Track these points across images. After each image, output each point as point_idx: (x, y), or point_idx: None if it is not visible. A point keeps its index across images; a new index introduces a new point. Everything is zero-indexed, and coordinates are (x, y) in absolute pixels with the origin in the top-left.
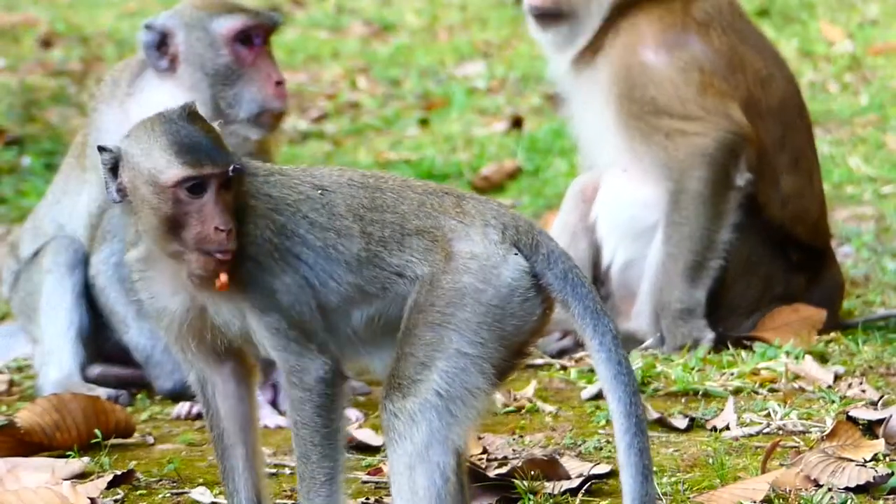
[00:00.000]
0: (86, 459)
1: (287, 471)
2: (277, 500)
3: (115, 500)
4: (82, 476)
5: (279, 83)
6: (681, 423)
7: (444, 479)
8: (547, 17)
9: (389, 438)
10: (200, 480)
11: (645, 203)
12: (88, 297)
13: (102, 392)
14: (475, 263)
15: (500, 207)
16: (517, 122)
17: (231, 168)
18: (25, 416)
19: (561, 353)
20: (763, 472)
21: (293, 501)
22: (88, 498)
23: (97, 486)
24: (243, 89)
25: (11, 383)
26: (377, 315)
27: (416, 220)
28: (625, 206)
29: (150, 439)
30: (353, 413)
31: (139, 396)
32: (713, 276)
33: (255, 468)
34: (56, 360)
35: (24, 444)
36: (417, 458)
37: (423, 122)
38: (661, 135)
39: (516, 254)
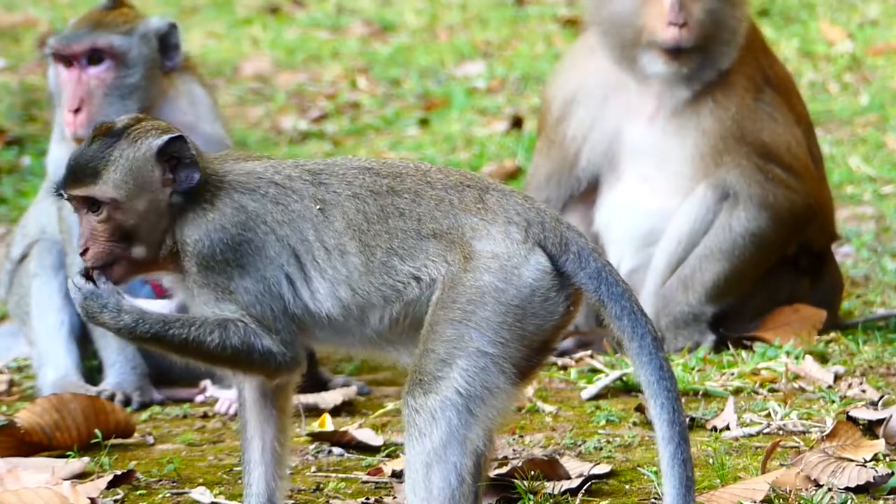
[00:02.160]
0: (86, 459)
1: (287, 471)
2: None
3: (115, 500)
4: (82, 476)
5: (76, 111)
6: None
7: (460, 480)
8: (683, 52)
9: (409, 434)
10: (200, 480)
11: (664, 214)
12: None
13: (93, 389)
14: (496, 263)
15: (526, 201)
16: (517, 122)
17: (84, 193)
18: (25, 416)
19: (561, 354)
20: (763, 472)
21: (293, 502)
22: (88, 498)
23: (97, 486)
24: (58, 114)
25: (11, 383)
26: (401, 316)
27: (433, 222)
28: (644, 216)
29: (151, 439)
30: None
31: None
32: (731, 302)
33: (270, 464)
34: (52, 360)
35: (24, 444)
36: (435, 457)
37: (423, 122)
38: (763, 176)
39: (540, 253)
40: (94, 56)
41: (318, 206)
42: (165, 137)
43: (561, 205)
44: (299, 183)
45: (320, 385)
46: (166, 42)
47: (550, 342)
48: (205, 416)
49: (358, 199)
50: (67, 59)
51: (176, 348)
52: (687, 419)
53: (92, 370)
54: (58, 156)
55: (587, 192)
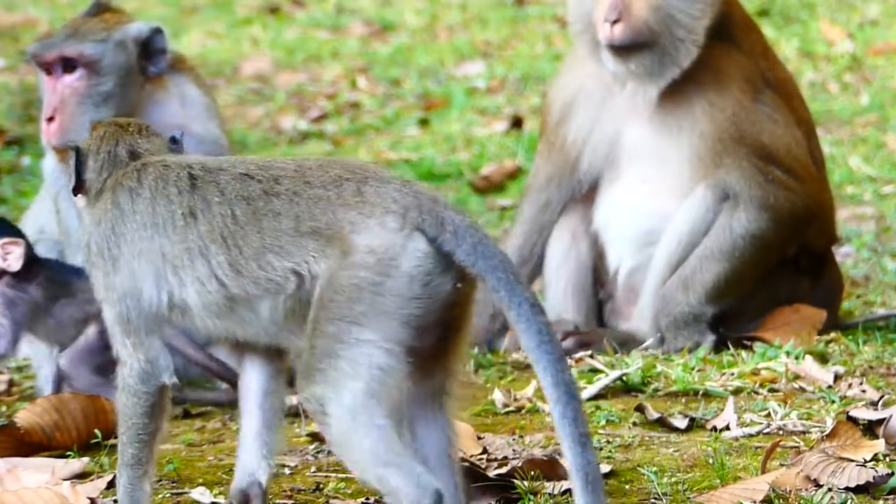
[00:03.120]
0: (85, 459)
1: (287, 471)
2: (277, 501)
3: (115, 501)
4: (82, 476)
5: (49, 119)
6: (681, 423)
7: (384, 429)
8: (625, 49)
9: (316, 418)
10: (200, 480)
11: (664, 215)
12: None
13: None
14: (372, 258)
15: (404, 186)
16: (517, 122)
17: None
18: (25, 416)
19: None
20: (763, 472)
21: (293, 502)
22: (88, 498)
23: (97, 486)
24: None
25: (11, 383)
26: (294, 307)
27: (312, 220)
28: (643, 217)
29: None
30: None
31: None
32: (731, 303)
33: (259, 441)
34: (52, 360)
35: (24, 444)
36: (350, 430)
37: (423, 122)
38: (763, 177)
39: (418, 238)
40: (68, 64)
41: (181, 212)
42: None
43: (561, 207)
44: (173, 188)
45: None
46: (150, 47)
47: (457, 317)
48: (204, 416)
49: (226, 206)
50: (46, 67)
51: None
52: (574, 379)
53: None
54: (52, 162)
55: (588, 193)
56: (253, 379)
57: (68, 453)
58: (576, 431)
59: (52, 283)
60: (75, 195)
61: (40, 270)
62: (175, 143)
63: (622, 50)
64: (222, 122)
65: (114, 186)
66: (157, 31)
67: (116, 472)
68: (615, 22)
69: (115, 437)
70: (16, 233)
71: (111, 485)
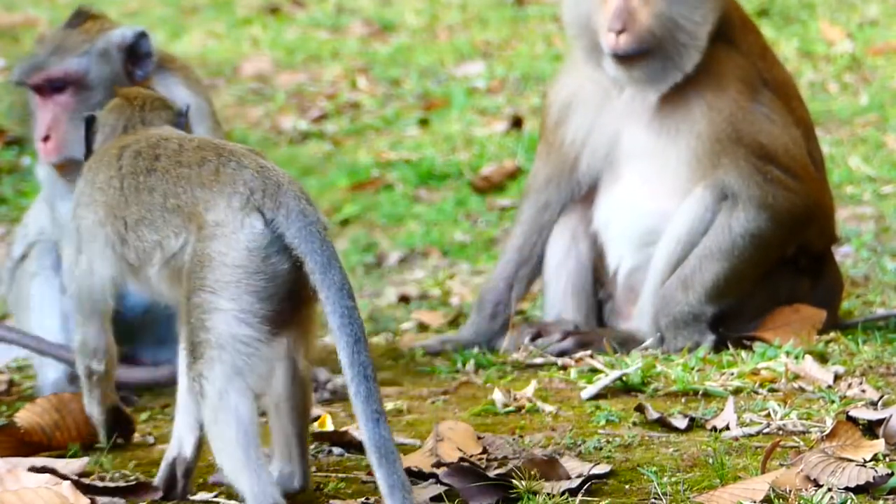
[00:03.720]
0: (85, 459)
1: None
2: None
3: (115, 500)
4: (82, 476)
5: (45, 139)
6: (681, 422)
7: (247, 420)
8: (629, 57)
9: (195, 399)
10: (200, 480)
11: (663, 215)
12: None
13: None
14: (219, 231)
15: (258, 171)
16: (517, 123)
17: None
18: (25, 415)
19: (561, 354)
20: (763, 472)
21: (293, 502)
22: (88, 498)
23: (97, 486)
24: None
25: (11, 383)
26: (170, 276)
27: (175, 198)
28: (643, 216)
29: (151, 439)
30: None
31: (138, 397)
32: (731, 303)
33: (187, 414)
34: (52, 360)
35: (25, 443)
36: (218, 409)
37: (423, 122)
38: (761, 176)
39: (255, 218)
40: (55, 83)
41: (98, 186)
42: None
43: (560, 207)
44: (103, 164)
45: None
46: (135, 51)
47: (299, 293)
48: None
49: (119, 179)
50: (34, 88)
51: None
52: (372, 363)
53: None
54: (45, 172)
55: (587, 194)
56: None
57: (69, 452)
58: (369, 408)
59: None
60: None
61: None
62: (181, 116)
63: (626, 58)
64: (216, 123)
65: (95, 160)
66: (142, 35)
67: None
68: (620, 31)
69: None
70: None
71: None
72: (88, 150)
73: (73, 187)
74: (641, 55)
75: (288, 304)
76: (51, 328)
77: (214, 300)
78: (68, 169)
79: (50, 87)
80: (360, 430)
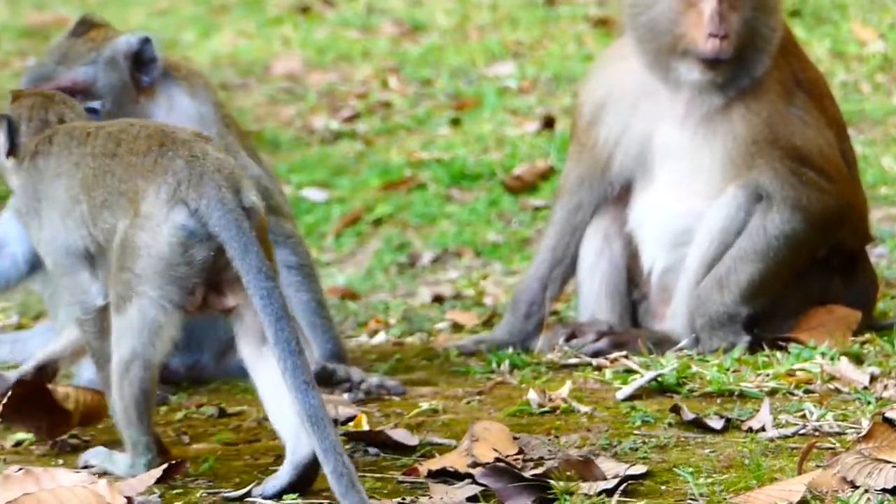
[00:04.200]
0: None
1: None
2: (312, 501)
3: (151, 499)
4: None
5: None
6: (717, 423)
7: (145, 390)
8: (718, 62)
9: (106, 358)
10: (236, 480)
11: (697, 215)
12: None
13: None
14: (146, 222)
15: (192, 160)
16: (549, 123)
17: None
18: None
19: (596, 354)
20: (799, 473)
21: (328, 501)
22: (125, 496)
23: (132, 484)
24: None
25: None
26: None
27: (123, 183)
28: (676, 217)
29: (186, 438)
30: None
31: (174, 396)
32: (765, 304)
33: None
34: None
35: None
36: (122, 377)
37: (455, 122)
38: (796, 178)
39: (180, 210)
40: (65, 91)
41: (72, 163)
42: None
43: (593, 208)
44: (73, 144)
45: (329, 381)
46: (141, 58)
47: (219, 274)
48: (241, 416)
49: (92, 158)
50: None
51: None
52: (299, 337)
53: None
54: None
55: (621, 194)
56: None
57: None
58: (297, 380)
59: None
60: (7, 157)
61: None
62: (93, 113)
63: (715, 62)
64: (222, 129)
65: (34, 150)
66: (146, 41)
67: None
68: (723, 37)
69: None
70: None
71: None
72: (13, 145)
73: None
74: (727, 61)
75: (211, 286)
76: None
77: (136, 285)
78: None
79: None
80: (291, 401)
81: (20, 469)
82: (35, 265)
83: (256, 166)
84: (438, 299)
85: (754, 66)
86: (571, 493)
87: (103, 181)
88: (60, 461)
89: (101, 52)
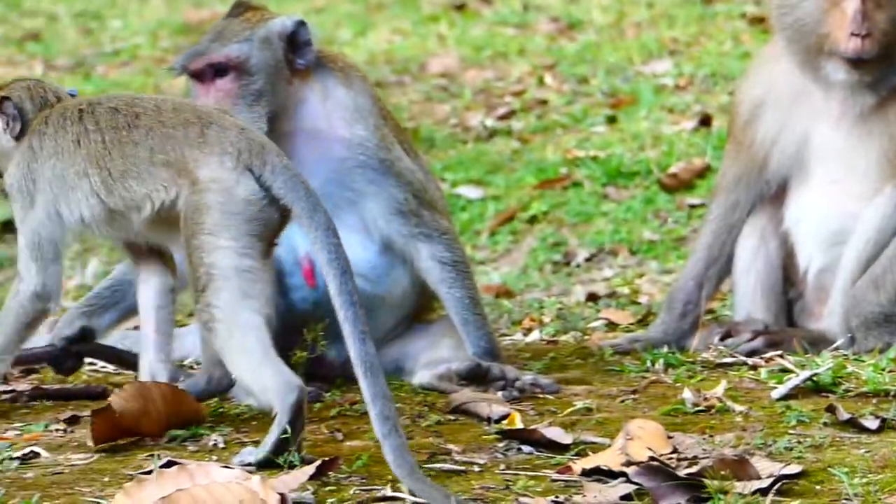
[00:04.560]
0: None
1: (476, 468)
2: (466, 499)
3: (304, 495)
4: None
5: None
6: (872, 423)
7: (261, 330)
8: (863, 61)
9: (206, 327)
10: (389, 477)
11: (853, 215)
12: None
13: None
14: (216, 185)
15: (240, 132)
16: (705, 121)
17: None
18: (117, 400)
19: (751, 353)
20: None
21: (482, 499)
22: (278, 493)
23: (285, 482)
24: None
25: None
26: (155, 220)
27: (163, 154)
28: (832, 217)
29: (340, 435)
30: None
31: (328, 393)
32: None
33: (156, 347)
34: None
35: (118, 428)
36: (232, 326)
37: (611, 120)
38: None
39: (247, 175)
40: (218, 69)
41: (71, 139)
42: None
43: (749, 206)
44: (68, 122)
45: (483, 379)
46: (295, 41)
47: (274, 235)
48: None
49: (99, 133)
50: (196, 75)
51: None
52: (356, 289)
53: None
54: None
55: (777, 194)
56: (146, 296)
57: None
58: (356, 330)
59: None
60: (18, 140)
61: None
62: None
63: (859, 62)
64: (378, 121)
65: (31, 131)
66: (301, 24)
67: None
68: (865, 36)
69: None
70: None
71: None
72: (24, 123)
73: None
74: (873, 60)
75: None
76: None
77: (213, 242)
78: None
79: (211, 73)
80: (348, 350)
81: (171, 464)
82: None
83: (412, 161)
84: (593, 298)
85: None
86: (725, 493)
87: (121, 152)
88: (214, 457)
89: (256, 31)
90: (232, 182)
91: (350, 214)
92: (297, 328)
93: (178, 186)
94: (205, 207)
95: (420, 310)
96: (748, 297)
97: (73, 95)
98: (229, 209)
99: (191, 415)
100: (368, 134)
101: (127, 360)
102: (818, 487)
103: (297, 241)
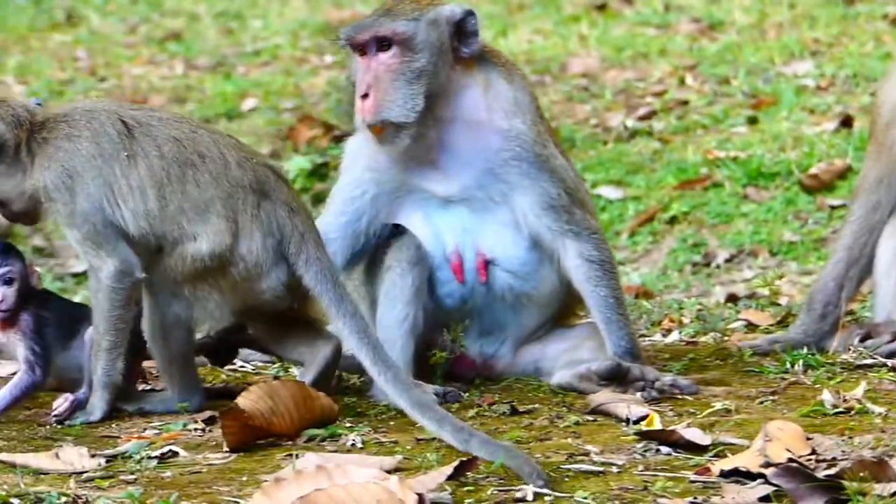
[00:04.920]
0: (399, 457)
1: (615, 469)
2: (604, 499)
3: (443, 496)
4: (398, 471)
5: (363, 96)
6: None
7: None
8: None
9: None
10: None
11: None
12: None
13: (431, 389)
14: (251, 264)
15: (290, 215)
16: (847, 122)
17: None
18: (244, 401)
19: (891, 355)
20: None
21: (620, 500)
22: (416, 493)
23: (423, 482)
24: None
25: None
26: (184, 260)
27: (222, 207)
28: None
29: None
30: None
31: (466, 394)
32: None
33: None
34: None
35: (248, 428)
36: None
37: (752, 121)
38: None
39: (281, 263)
40: (382, 43)
41: (125, 154)
42: None
43: (891, 208)
44: (111, 129)
45: (623, 379)
46: (462, 29)
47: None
48: (532, 414)
49: (164, 161)
50: (360, 48)
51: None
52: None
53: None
54: (359, 140)
55: None
56: None
57: (395, 450)
58: (403, 395)
59: (69, 316)
60: (0, 157)
61: (56, 300)
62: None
63: None
64: (536, 117)
65: (43, 138)
66: (470, 14)
67: (93, 356)
68: None
69: (323, 424)
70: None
71: (450, 478)
72: (2, 145)
73: (388, 152)
74: None
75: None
76: (395, 318)
77: (219, 300)
78: (384, 132)
79: (375, 47)
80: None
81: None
82: (354, 261)
83: (563, 158)
84: (733, 299)
85: None
86: (864, 494)
87: (183, 188)
88: (353, 456)
89: (425, 13)
90: (266, 267)
91: (502, 209)
92: (442, 324)
93: (223, 244)
94: (230, 276)
95: (564, 313)
96: (889, 299)
97: (39, 105)
98: (247, 288)
99: (324, 413)
100: (526, 128)
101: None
102: None
103: (447, 237)
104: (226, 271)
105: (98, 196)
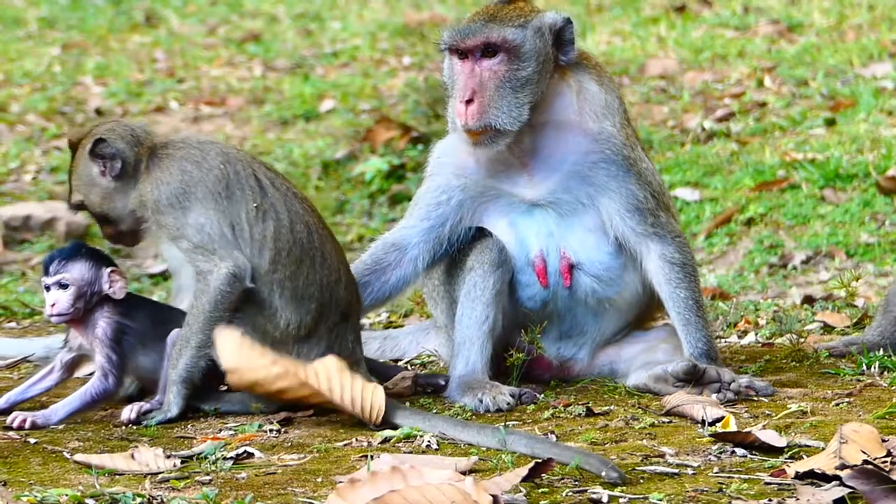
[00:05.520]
0: (475, 458)
1: (690, 471)
2: (680, 500)
3: (517, 497)
4: (473, 472)
5: (468, 102)
6: None
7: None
8: None
9: None
10: (601, 480)
11: None
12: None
13: (507, 390)
14: (297, 357)
15: (354, 344)
16: None
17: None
18: None
19: None
20: None
21: (696, 502)
22: (490, 494)
23: (498, 483)
24: (451, 106)
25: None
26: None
27: (314, 308)
28: None
29: (553, 437)
30: None
31: (542, 395)
32: None
33: None
34: (464, 354)
35: None
36: None
37: (830, 122)
38: None
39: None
40: (488, 49)
41: (254, 204)
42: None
43: None
44: (242, 173)
45: (699, 380)
46: (561, 37)
47: None
48: (608, 415)
49: (292, 236)
50: (462, 52)
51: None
52: None
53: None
54: (446, 146)
55: None
56: None
57: (472, 450)
58: None
59: (156, 320)
60: (120, 174)
61: (143, 305)
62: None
63: None
64: (624, 120)
65: (160, 156)
66: (568, 22)
67: (175, 352)
68: None
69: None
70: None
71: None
72: (125, 161)
73: (481, 154)
74: None
75: None
76: (476, 319)
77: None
78: (484, 137)
79: (480, 53)
80: None
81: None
82: (433, 265)
83: (648, 161)
84: (809, 300)
85: None
86: None
87: (294, 270)
88: (427, 457)
89: (531, 20)
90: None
91: (588, 213)
92: (521, 325)
93: (297, 333)
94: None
95: (643, 318)
96: None
97: (142, 126)
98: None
99: None
100: (616, 130)
101: (377, 371)
102: None
103: (531, 241)
104: (277, 349)
105: (216, 220)
